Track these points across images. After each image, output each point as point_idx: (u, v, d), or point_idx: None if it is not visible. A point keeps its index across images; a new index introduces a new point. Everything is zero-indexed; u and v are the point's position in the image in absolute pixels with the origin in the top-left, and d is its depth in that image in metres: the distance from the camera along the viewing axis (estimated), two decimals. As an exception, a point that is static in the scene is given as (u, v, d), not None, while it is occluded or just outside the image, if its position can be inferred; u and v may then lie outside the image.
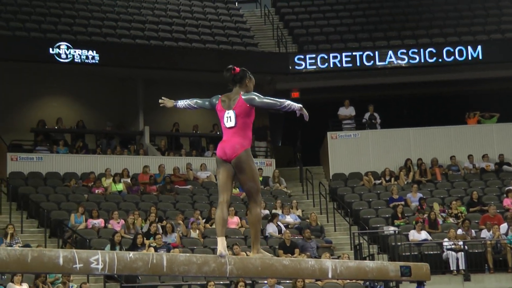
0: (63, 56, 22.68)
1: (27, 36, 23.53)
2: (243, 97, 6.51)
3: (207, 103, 6.83)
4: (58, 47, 22.68)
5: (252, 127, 6.59)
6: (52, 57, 22.61)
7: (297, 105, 6.45)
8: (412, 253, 18.38)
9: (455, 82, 25.95)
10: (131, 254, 5.45)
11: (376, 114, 24.97)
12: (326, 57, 25.10)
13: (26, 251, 5.00)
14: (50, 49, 22.61)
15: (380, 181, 23.34)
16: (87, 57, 22.91)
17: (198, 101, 6.91)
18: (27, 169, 21.95)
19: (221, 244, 6.17)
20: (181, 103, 6.93)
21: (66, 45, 22.78)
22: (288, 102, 6.43)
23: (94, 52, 23.02)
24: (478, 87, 26.38)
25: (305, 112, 6.49)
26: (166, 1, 28.98)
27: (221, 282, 16.24)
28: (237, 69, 6.70)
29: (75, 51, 22.81)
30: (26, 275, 14.76)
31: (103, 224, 18.97)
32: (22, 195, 20.41)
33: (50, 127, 24.05)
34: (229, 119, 6.50)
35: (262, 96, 6.51)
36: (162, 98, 6.93)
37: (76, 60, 22.83)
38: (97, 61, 23.07)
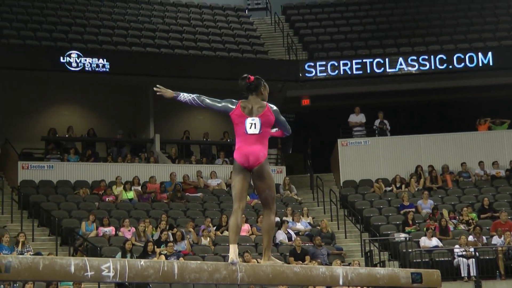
0: (74, 64, 22.76)
1: (38, 45, 23.63)
2: (272, 108, 6.57)
3: (219, 105, 6.69)
4: (69, 55, 22.77)
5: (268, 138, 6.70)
6: (63, 65, 22.70)
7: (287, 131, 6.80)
8: (423, 260, 18.34)
9: (465, 89, 25.90)
10: (142, 261, 5.45)
11: (386, 121, 24.95)
12: (336, 64, 25.10)
13: (38, 259, 5.01)
14: (61, 57, 22.70)
15: (391, 188, 23.30)
16: (97, 66, 22.99)
17: (207, 100, 6.71)
18: (38, 177, 22.01)
19: (233, 251, 6.14)
20: (184, 96, 6.63)
21: (77, 54, 22.87)
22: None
23: (105, 60, 23.10)
24: (488, 94, 26.31)
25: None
26: (177, 9, 29.09)
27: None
28: (252, 77, 6.71)
29: (85, 60, 22.89)
30: (38, 283, 14.79)
31: (114, 232, 18.99)
32: (33, 203, 20.47)
33: (61, 136, 24.12)
34: (253, 126, 6.48)
35: (283, 118, 6.69)
36: (158, 86, 6.64)
37: (86, 69, 22.91)
38: (107, 70, 23.16)
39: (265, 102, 6.60)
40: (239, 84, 6.70)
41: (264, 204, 6.60)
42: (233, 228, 6.37)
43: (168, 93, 6.61)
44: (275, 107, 6.61)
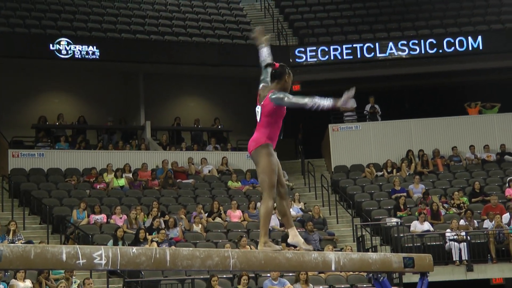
0: (64, 52, 22.67)
1: (27, 33, 23.52)
2: (270, 96, 6.49)
3: (261, 81, 6.78)
4: (59, 43, 22.68)
5: (280, 124, 6.61)
6: (52, 53, 22.61)
7: (328, 102, 6.29)
8: (415, 244, 18.38)
9: (456, 73, 25.91)
10: (134, 249, 5.44)
11: (377, 106, 24.97)
12: (326, 49, 25.09)
13: (29, 247, 5.00)
14: (51, 45, 22.61)
15: (382, 172, 23.34)
16: (87, 53, 22.91)
17: (263, 73, 6.78)
18: (28, 165, 21.95)
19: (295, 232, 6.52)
20: (265, 52, 6.83)
21: (67, 41, 22.78)
22: (316, 100, 6.26)
23: (95, 47, 23.02)
24: (479, 78, 26.33)
25: (344, 102, 6.34)
26: (166, -4, 28.96)
27: (224, 276, 16.24)
28: (277, 64, 6.65)
29: (75, 47, 22.80)
30: (29, 272, 14.77)
31: (105, 220, 18.98)
32: (24, 191, 20.42)
33: (51, 123, 24.05)
34: (257, 114, 6.64)
35: (291, 96, 6.42)
36: (258, 29, 6.76)
37: (76, 56, 22.83)
38: (97, 57, 23.07)
39: (272, 90, 6.55)
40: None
41: (262, 190, 6.65)
42: (287, 214, 6.73)
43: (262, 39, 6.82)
44: (277, 93, 6.48)
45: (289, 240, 6.69)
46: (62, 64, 23.48)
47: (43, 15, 24.86)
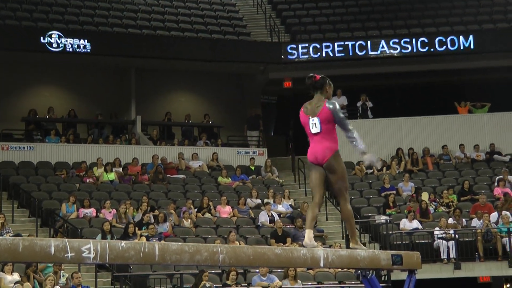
0: (55, 45, 22.61)
1: (18, 25, 23.43)
2: (327, 105, 6.79)
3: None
4: (50, 36, 22.61)
5: (335, 130, 6.89)
6: (43, 46, 22.54)
7: (362, 146, 6.83)
8: (404, 242, 18.42)
9: (447, 72, 25.99)
10: (123, 243, 5.44)
11: (368, 103, 24.99)
12: (318, 46, 25.10)
13: (17, 240, 4.98)
14: (42, 38, 22.54)
15: (372, 170, 23.37)
16: (78, 46, 22.85)
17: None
18: (18, 158, 21.89)
19: (307, 235, 6.69)
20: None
21: (58, 34, 22.71)
22: (355, 135, 6.81)
23: (86, 41, 22.96)
24: (469, 77, 26.41)
25: (369, 158, 6.83)
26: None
27: (213, 271, 16.25)
28: (318, 76, 6.97)
29: (66, 40, 22.74)
30: (17, 265, 14.74)
31: (94, 214, 18.94)
32: (13, 184, 20.37)
33: (42, 117, 23.99)
34: (314, 125, 6.83)
35: (342, 116, 6.81)
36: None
37: (67, 49, 22.76)
38: (88, 50, 23.02)
39: (324, 99, 6.86)
40: (306, 82, 6.99)
41: (338, 195, 6.94)
42: (308, 218, 6.89)
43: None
44: (332, 103, 6.82)
45: (309, 244, 6.78)
46: (53, 57, 23.41)
47: (34, 8, 24.78)
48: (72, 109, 24.49)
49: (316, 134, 6.84)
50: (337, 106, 6.82)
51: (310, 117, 6.83)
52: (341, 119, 6.79)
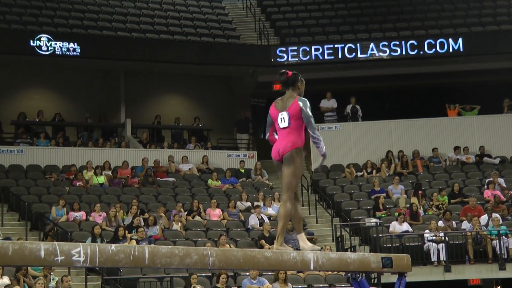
0: (44, 48, 22.56)
1: (8, 28, 23.38)
2: (298, 101, 6.73)
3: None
4: (39, 39, 22.56)
5: (303, 130, 6.78)
6: (33, 49, 22.49)
7: (323, 150, 6.73)
8: (394, 245, 18.44)
9: (436, 75, 26.04)
10: (113, 246, 5.43)
11: (357, 106, 25.03)
12: (308, 49, 25.11)
13: (7, 244, 4.97)
14: (31, 41, 22.49)
15: (362, 173, 23.41)
16: (68, 50, 22.81)
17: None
18: (7, 161, 21.83)
19: (302, 240, 6.74)
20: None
21: (47, 37, 22.66)
22: (320, 138, 6.69)
23: (75, 44, 22.92)
24: (459, 80, 26.47)
25: (320, 162, 6.85)
26: (148, -7, 28.89)
27: (203, 274, 16.23)
28: (290, 72, 6.96)
29: (56, 43, 22.70)
30: (7, 268, 14.69)
31: (84, 217, 18.90)
32: (2, 188, 20.29)
33: (31, 120, 23.92)
34: (283, 120, 6.73)
35: (310, 114, 6.70)
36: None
37: (57, 53, 22.72)
38: (78, 54, 22.98)
39: (296, 96, 6.82)
40: (278, 79, 6.99)
41: (284, 190, 6.76)
42: (295, 221, 6.95)
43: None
44: (303, 100, 6.76)
45: (306, 247, 6.76)
46: (43, 60, 23.37)
47: (24, 11, 24.72)
48: (58, 113, 24.40)
49: (284, 128, 6.72)
50: (308, 104, 6.73)
51: (280, 112, 6.76)
52: (308, 117, 6.66)
